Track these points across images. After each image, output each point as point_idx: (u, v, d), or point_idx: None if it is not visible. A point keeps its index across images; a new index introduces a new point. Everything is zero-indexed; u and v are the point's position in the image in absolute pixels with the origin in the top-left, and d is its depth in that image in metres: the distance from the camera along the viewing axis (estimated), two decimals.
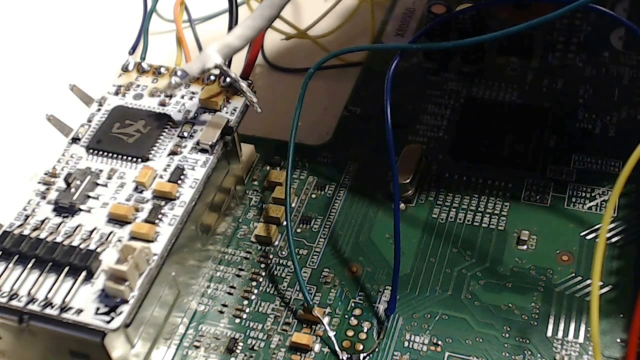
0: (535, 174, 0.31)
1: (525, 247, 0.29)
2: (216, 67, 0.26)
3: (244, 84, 0.27)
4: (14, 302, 0.23)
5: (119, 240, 0.25)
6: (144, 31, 0.30)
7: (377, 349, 0.27)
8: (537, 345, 0.26)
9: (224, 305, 0.28)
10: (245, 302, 0.28)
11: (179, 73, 0.26)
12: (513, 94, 0.35)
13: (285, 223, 0.31)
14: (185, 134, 0.28)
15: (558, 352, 0.26)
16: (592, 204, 0.30)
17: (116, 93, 0.29)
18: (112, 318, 0.23)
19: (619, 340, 0.26)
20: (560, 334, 0.26)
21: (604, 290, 0.27)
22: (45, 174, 0.27)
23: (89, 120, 0.28)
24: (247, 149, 0.32)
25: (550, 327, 0.27)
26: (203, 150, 0.27)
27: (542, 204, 0.30)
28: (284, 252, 0.30)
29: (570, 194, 0.30)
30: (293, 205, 0.31)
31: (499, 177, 0.31)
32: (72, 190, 0.26)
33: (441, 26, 0.35)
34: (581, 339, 0.26)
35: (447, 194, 0.31)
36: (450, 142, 0.33)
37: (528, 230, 0.29)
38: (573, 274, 0.28)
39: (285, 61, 0.39)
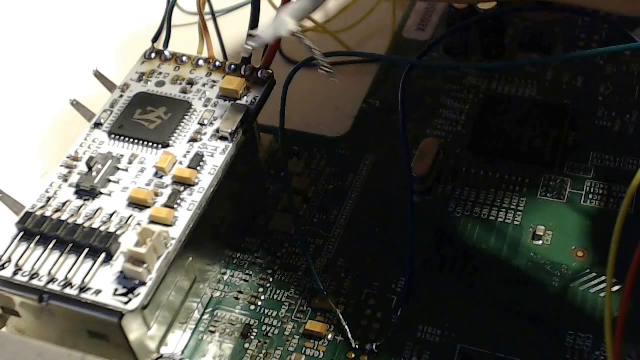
0: (553, 170, 0.31)
1: (540, 242, 0.29)
2: (291, 34, 0.25)
3: (319, 53, 0.25)
4: (34, 282, 0.24)
5: (139, 224, 0.25)
6: (167, 20, 0.31)
7: (390, 339, 0.27)
8: (549, 339, 0.26)
9: (240, 292, 0.29)
10: (261, 289, 0.29)
11: (253, 40, 0.25)
12: (533, 90, 0.35)
13: (300, 213, 0.31)
14: (206, 122, 0.28)
15: (571, 347, 0.26)
16: (609, 201, 0.30)
17: (139, 80, 0.30)
18: (130, 299, 0.23)
19: None
20: (573, 330, 0.26)
21: (617, 288, 0.27)
22: (68, 157, 0.27)
23: (112, 106, 0.29)
24: (266, 139, 0.33)
25: (564, 322, 0.27)
26: (223, 138, 0.27)
27: (559, 200, 0.30)
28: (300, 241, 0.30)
29: (587, 191, 0.30)
30: (310, 195, 0.32)
31: (516, 172, 0.31)
32: (94, 174, 0.26)
33: (462, 19, 0.35)
34: (594, 335, 0.26)
35: (464, 188, 0.31)
36: (469, 137, 0.33)
37: (544, 225, 0.29)
38: (588, 270, 0.28)
39: (300, 54, 0.39)
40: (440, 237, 0.30)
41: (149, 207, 0.26)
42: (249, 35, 0.25)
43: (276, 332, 0.27)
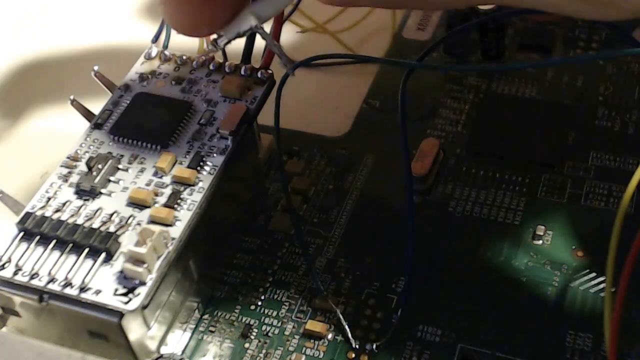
0: (553, 170, 0.31)
1: (540, 242, 0.29)
2: (251, 29, 0.26)
3: (279, 48, 0.26)
4: (34, 282, 0.24)
5: (139, 224, 0.25)
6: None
7: (390, 339, 0.27)
8: (550, 339, 0.26)
9: (240, 292, 0.29)
10: (261, 289, 0.29)
11: (220, 39, 0.26)
12: (533, 90, 0.35)
13: (300, 213, 0.31)
14: (206, 122, 0.28)
15: (571, 347, 0.26)
16: (609, 201, 0.30)
17: (139, 80, 0.30)
18: (130, 299, 0.23)
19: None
20: (573, 330, 0.26)
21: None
22: (68, 157, 0.27)
23: (112, 106, 0.29)
24: (266, 139, 0.33)
25: (564, 322, 0.27)
26: (222, 138, 0.27)
27: (558, 200, 0.30)
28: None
29: (587, 191, 0.31)
30: (310, 195, 0.32)
31: (516, 172, 0.31)
32: (94, 174, 0.26)
33: (462, 19, 0.35)
34: (595, 335, 0.26)
35: (464, 187, 0.31)
36: (469, 137, 0.33)
37: (544, 225, 0.29)
38: (588, 270, 0.28)
39: (301, 55, 0.39)
40: (440, 237, 0.30)
41: (149, 207, 0.26)
42: (214, 39, 0.26)
43: (276, 332, 0.27)
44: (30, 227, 0.25)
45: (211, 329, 0.28)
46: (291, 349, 0.27)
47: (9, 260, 0.24)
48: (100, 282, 0.24)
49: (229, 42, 0.26)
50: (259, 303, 0.28)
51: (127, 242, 0.24)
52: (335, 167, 0.33)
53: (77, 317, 0.24)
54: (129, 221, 0.25)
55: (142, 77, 0.30)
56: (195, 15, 0.24)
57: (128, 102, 0.29)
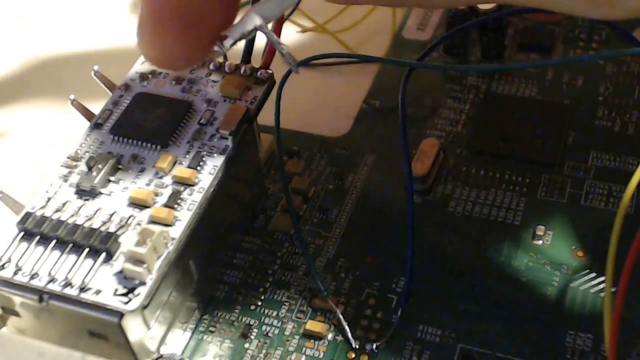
0: (553, 170, 0.31)
1: (540, 242, 0.29)
2: (256, 29, 0.26)
3: (284, 47, 0.26)
4: (34, 282, 0.24)
5: (139, 224, 0.25)
6: None
7: (390, 339, 0.27)
8: (549, 339, 0.26)
9: (240, 292, 0.29)
10: (261, 289, 0.29)
11: (225, 41, 0.26)
12: (533, 90, 0.35)
13: (300, 213, 0.31)
14: (206, 122, 0.28)
15: (571, 347, 0.26)
16: (609, 201, 0.30)
17: (139, 80, 0.30)
18: (130, 299, 0.23)
19: None
20: (573, 329, 0.26)
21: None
22: (68, 157, 0.27)
23: (112, 106, 0.29)
24: (266, 139, 0.33)
25: (564, 322, 0.27)
26: (222, 138, 0.27)
27: (558, 200, 0.30)
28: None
29: (587, 191, 0.31)
30: (310, 195, 0.32)
31: (516, 172, 0.31)
32: (94, 174, 0.26)
33: (462, 19, 0.35)
34: (595, 335, 0.26)
35: (464, 187, 0.31)
36: (469, 137, 0.33)
37: (544, 225, 0.29)
38: (588, 270, 0.28)
39: (301, 55, 0.39)
40: (440, 237, 0.30)
41: (149, 207, 0.26)
42: (220, 40, 0.26)
43: (276, 332, 0.27)
44: (30, 227, 0.25)
45: (211, 329, 0.28)
46: (291, 349, 0.27)
47: (9, 260, 0.24)
48: (100, 282, 0.24)
49: (234, 43, 0.26)
50: (259, 303, 0.28)
51: (127, 242, 0.24)
52: (335, 167, 0.33)
53: (77, 317, 0.24)
54: (129, 221, 0.25)
55: (142, 76, 0.30)
56: (170, 51, 0.24)
57: (128, 102, 0.29)
